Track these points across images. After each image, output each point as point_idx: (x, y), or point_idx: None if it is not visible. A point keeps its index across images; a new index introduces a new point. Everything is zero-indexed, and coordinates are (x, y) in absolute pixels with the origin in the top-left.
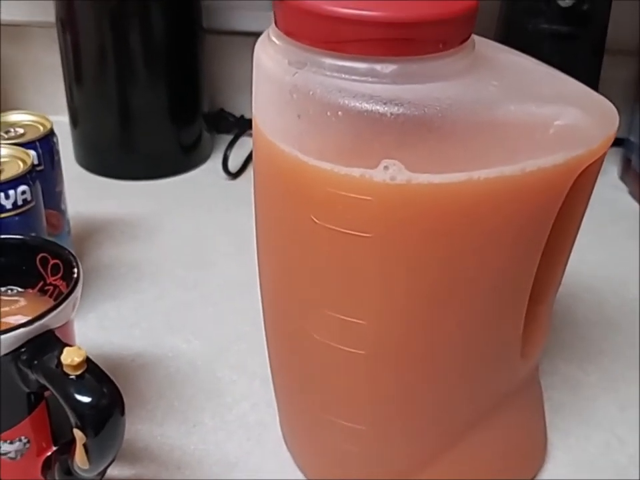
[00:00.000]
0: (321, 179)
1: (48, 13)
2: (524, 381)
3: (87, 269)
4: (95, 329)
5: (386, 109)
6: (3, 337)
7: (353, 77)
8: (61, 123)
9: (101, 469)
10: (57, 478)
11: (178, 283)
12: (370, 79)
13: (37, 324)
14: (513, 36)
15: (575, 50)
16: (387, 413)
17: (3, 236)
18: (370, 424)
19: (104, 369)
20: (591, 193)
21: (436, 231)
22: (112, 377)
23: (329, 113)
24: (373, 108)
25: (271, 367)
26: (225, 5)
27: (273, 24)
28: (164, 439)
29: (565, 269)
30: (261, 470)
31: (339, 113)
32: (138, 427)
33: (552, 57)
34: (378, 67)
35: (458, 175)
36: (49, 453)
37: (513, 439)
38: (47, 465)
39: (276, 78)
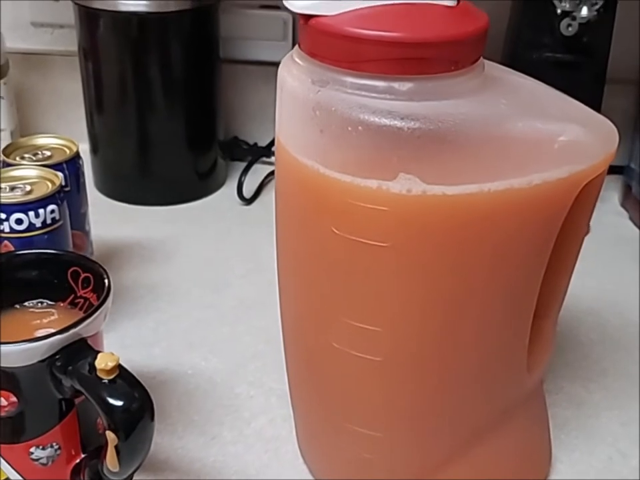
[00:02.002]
0: (341, 190)
1: (69, 42)
2: (529, 394)
3: None
4: (116, 348)
5: (403, 123)
6: (38, 343)
7: (372, 95)
8: (82, 150)
9: (130, 471)
10: None
11: (195, 304)
12: (388, 96)
13: (71, 331)
14: (518, 64)
15: (578, 78)
16: (402, 419)
17: (35, 250)
18: (385, 430)
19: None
20: (593, 208)
21: (449, 241)
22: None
23: (349, 128)
24: (391, 123)
25: (288, 378)
26: (241, 36)
27: (297, 46)
28: (184, 451)
29: (568, 283)
30: None
31: (360, 127)
32: (159, 439)
33: (555, 84)
34: (396, 84)
35: (470, 186)
36: (78, 460)
37: (520, 449)
38: (76, 472)
39: (300, 96)
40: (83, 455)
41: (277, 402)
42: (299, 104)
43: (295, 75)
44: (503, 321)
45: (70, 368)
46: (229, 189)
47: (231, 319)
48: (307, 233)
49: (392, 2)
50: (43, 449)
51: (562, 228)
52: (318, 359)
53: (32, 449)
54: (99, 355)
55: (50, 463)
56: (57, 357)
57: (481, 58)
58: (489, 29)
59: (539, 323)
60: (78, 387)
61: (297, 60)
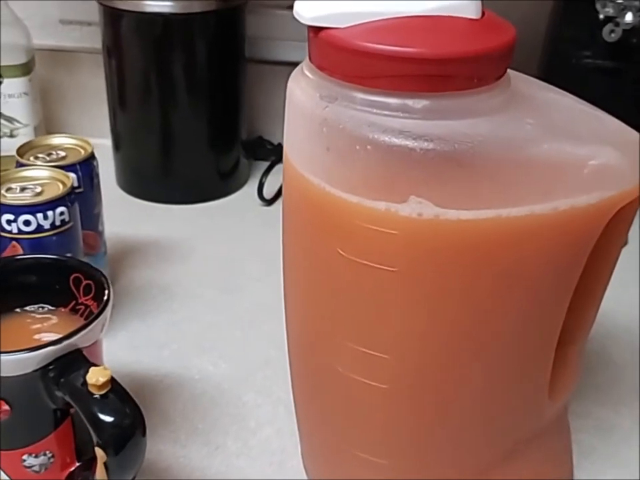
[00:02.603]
0: (347, 211)
1: (97, 40)
2: (551, 422)
3: (120, 289)
4: (125, 348)
5: (415, 144)
6: (32, 354)
7: (384, 112)
8: (105, 146)
9: None
10: None
11: (208, 306)
12: (401, 114)
13: (65, 342)
14: (556, 71)
15: (619, 85)
16: (408, 448)
17: (38, 255)
18: (390, 458)
19: (128, 389)
20: (626, 234)
21: (462, 268)
22: (137, 397)
23: (357, 147)
24: (402, 143)
25: (294, 396)
26: (267, 36)
27: (307, 58)
28: (186, 460)
29: (597, 310)
30: None
31: (368, 147)
32: (161, 447)
33: (595, 92)
34: (409, 102)
35: (487, 212)
36: (72, 469)
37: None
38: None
39: (307, 111)
40: (77, 464)
41: (284, 412)
42: (306, 119)
43: (303, 89)
44: (519, 352)
45: (62, 380)
46: (250, 189)
47: (244, 323)
48: (312, 251)
49: (409, 14)
50: (36, 456)
51: (591, 255)
52: (322, 381)
53: (24, 457)
54: (91, 370)
55: (43, 471)
56: (51, 367)
57: (507, 73)
58: (516, 42)
59: (565, 349)
60: (69, 399)
61: (307, 73)
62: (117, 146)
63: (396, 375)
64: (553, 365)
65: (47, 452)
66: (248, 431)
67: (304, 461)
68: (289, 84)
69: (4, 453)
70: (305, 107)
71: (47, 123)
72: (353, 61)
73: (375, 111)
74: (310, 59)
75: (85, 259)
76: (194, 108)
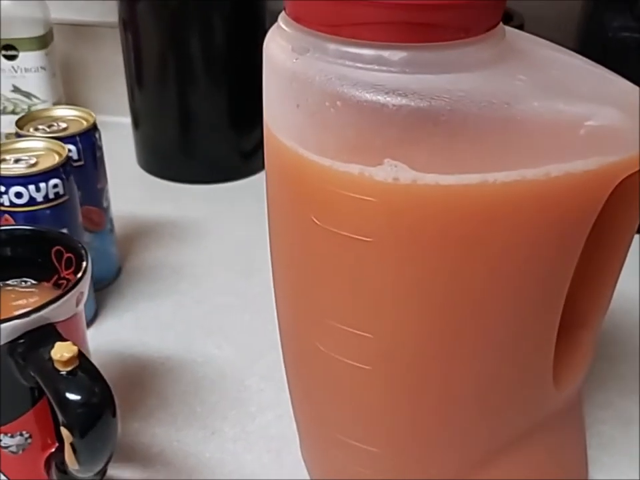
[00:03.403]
0: (320, 176)
1: (116, 14)
2: (559, 411)
3: (131, 268)
4: (129, 329)
5: (388, 99)
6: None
7: (358, 65)
8: (127, 124)
9: (94, 470)
10: (54, 476)
11: (219, 288)
12: (376, 67)
13: (34, 316)
14: (592, 45)
15: None
16: (400, 435)
17: (17, 226)
18: (383, 447)
19: (132, 371)
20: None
21: (445, 239)
22: (137, 379)
23: (327, 103)
24: (374, 98)
25: (287, 379)
26: None
27: (283, 11)
28: (180, 444)
29: (611, 292)
30: None
31: (338, 102)
32: (156, 430)
33: (634, 67)
34: (385, 53)
35: (470, 176)
36: (54, 449)
37: (543, 473)
38: (50, 462)
39: (278, 66)
40: (57, 444)
41: (286, 397)
42: (278, 74)
43: (277, 42)
44: (514, 331)
45: (29, 355)
46: None
47: (254, 307)
48: (289, 221)
49: None
50: (12, 436)
51: (603, 227)
52: (306, 362)
53: (0, 436)
54: (56, 345)
55: (21, 451)
56: (20, 341)
57: (500, 26)
58: None
59: (576, 332)
60: (35, 375)
61: (282, 25)
62: (135, 123)
63: (380, 355)
64: (561, 350)
65: (24, 432)
66: (247, 416)
67: (301, 448)
68: (266, 39)
69: None
70: (278, 62)
71: (69, 100)
72: (325, 7)
73: (347, 63)
74: (285, 9)
75: (88, 236)
76: (213, 84)
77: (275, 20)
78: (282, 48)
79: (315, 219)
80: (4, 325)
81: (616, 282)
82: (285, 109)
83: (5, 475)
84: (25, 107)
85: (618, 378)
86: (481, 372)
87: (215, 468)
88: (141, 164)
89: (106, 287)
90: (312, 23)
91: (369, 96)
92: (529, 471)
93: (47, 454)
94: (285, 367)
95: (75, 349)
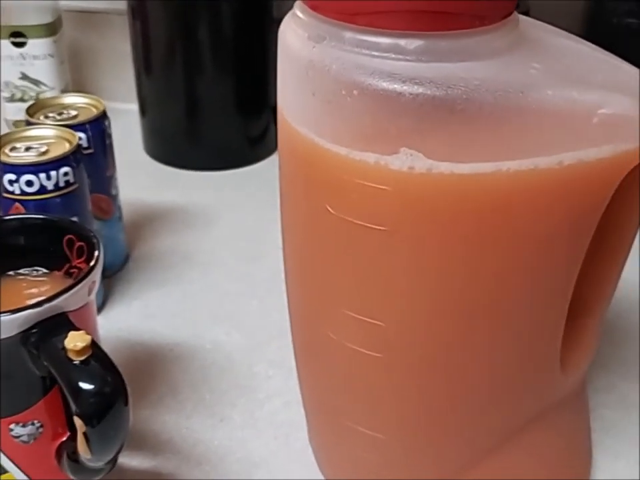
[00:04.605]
0: (335, 164)
1: (125, 1)
2: (565, 396)
3: (140, 256)
4: (138, 316)
5: (404, 87)
6: (12, 316)
7: (374, 53)
8: (135, 112)
9: (106, 459)
10: (65, 465)
11: (228, 275)
12: (393, 56)
13: (47, 305)
14: (597, 31)
15: None
16: (409, 423)
17: (29, 215)
18: (391, 434)
19: (138, 358)
20: None
21: (459, 227)
22: (146, 366)
23: (343, 92)
24: (390, 87)
25: (296, 366)
26: None
27: None
28: (189, 432)
29: (617, 281)
30: (283, 472)
31: (354, 91)
32: (166, 417)
33: (637, 53)
34: (402, 42)
35: (485, 165)
36: (65, 439)
37: (551, 458)
38: (61, 451)
39: (295, 54)
40: (69, 434)
41: (295, 384)
42: (293, 63)
43: (293, 30)
44: (525, 319)
45: (42, 344)
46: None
47: (262, 293)
48: (303, 210)
49: None
50: (24, 426)
51: (610, 216)
52: (317, 349)
53: (12, 426)
54: (70, 334)
55: (32, 441)
56: (33, 331)
57: (514, 14)
58: None
59: (581, 320)
60: (48, 365)
61: (298, 13)
62: (143, 110)
63: (391, 343)
64: (568, 337)
65: (35, 421)
66: (256, 402)
67: (309, 435)
68: (281, 27)
69: None
70: (293, 50)
71: (78, 87)
72: None
73: (364, 51)
74: None
75: (97, 224)
76: (221, 71)
77: (283, 8)
78: (298, 36)
79: (329, 208)
80: (17, 315)
81: (621, 270)
82: (301, 97)
83: (16, 465)
84: (33, 94)
85: (620, 362)
86: (491, 359)
87: (223, 455)
88: (148, 151)
89: (114, 275)
90: (328, 11)
91: (385, 84)
92: (537, 456)
93: (57, 443)
94: (295, 354)
95: (89, 338)
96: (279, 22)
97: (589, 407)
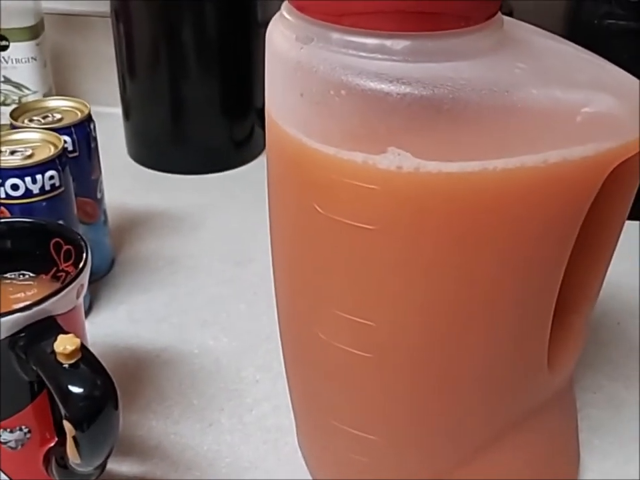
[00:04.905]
0: (323, 164)
1: (107, 4)
2: (553, 396)
3: (125, 260)
4: (124, 321)
5: (392, 87)
6: (0, 320)
7: (361, 54)
8: (118, 115)
9: (95, 464)
10: (53, 471)
11: (214, 279)
12: (379, 56)
13: (35, 309)
14: (578, 32)
15: None
16: (399, 423)
17: (16, 219)
18: (381, 435)
19: (125, 363)
20: (632, 194)
21: (447, 226)
22: (132, 372)
23: (331, 92)
24: (378, 87)
25: (285, 368)
26: None
27: (287, 0)
28: (178, 437)
29: (603, 278)
30: (273, 476)
31: (342, 91)
32: (153, 423)
33: (619, 55)
34: (388, 42)
35: (472, 163)
36: (52, 444)
37: (539, 458)
38: (49, 457)
39: (282, 55)
40: (57, 439)
41: (283, 388)
42: (282, 64)
43: (280, 32)
44: (514, 318)
45: (31, 348)
46: (265, 159)
47: (250, 297)
48: (291, 209)
49: None
50: (11, 432)
51: (595, 214)
52: (308, 351)
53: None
54: (59, 337)
55: (20, 447)
56: (21, 335)
57: (499, 15)
58: None
59: (568, 318)
60: (37, 369)
61: (285, 15)
62: (126, 114)
63: (381, 343)
64: (555, 335)
65: (23, 427)
66: (244, 407)
67: (298, 438)
68: (269, 28)
69: None
70: (281, 51)
71: (60, 91)
72: None
73: (351, 52)
74: None
75: (82, 228)
76: (205, 74)
77: (267, 9)
78: (286, 37)
79: (317, 207)
80: (4, 319)
81: (607, 268)
82: (289, 97)
83: (3, 472)
84: (16, 97)
85: (607, 361)
86: (480, 359)
87: (212, 460)
88: (132, 155)
89: (100, 279)
90: (315, 13)
91: (372, 84)
92: (525, 456)
93: (45, 449)
94: (284, 355)
95: (78, 341)
96: (263, 24)
97: (576, 407)
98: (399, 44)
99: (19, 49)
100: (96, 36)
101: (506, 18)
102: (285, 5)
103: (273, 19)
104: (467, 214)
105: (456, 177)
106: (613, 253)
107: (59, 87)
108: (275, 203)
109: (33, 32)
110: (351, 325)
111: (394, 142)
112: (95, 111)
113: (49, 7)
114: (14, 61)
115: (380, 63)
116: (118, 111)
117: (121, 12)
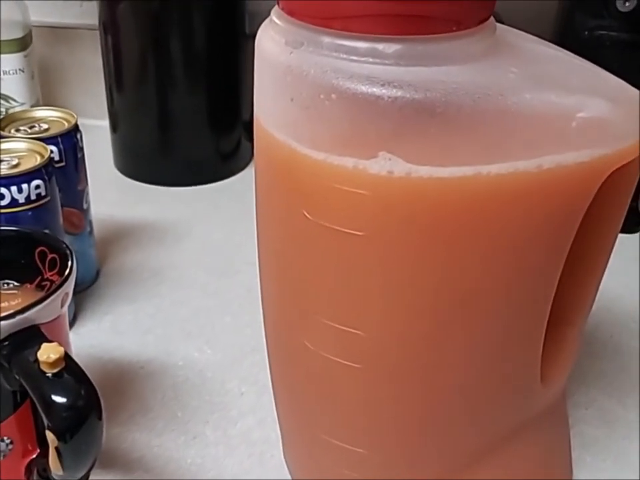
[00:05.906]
0: (313, 170)
1: (96, 16)
2: (545, 409)
3: (110, 272)
4: (108, 333)
5: (383, 91)
6: None
7: (352, 57)
8: (105, 127)
9: (78, 476)
10: None
11: (199, 290)
12: (370, 60)
13: (18, 317)
14: (568, 43)
15: (634, 59)
16: (388, 436)
17: (1, 227)
18: (369, 448)
19: (110, 376)
20: (627, 202)
21: (438, 232)
22: (116, 383)
23: (322, 96)
24: (369, 90)
25: (271, 379)
26: (268, 10)
27: (276, 4)
28: (161, 450)
29: (596, 289)
30: None
31: (333, 95)
32: (136, 435)
33: (609, 65)
34: (379, 46)
35: (464, 168)
36: (35, 456)
37: (530, 473)
38: (31, 468)
39: (272, 60)
40: (39, 450)
41: (269, 401)
42: (271, 68)
43: (270, 37)
44: (505, 328)
45: (14, 357)
46: (252, 171)
47: (235, 309)
48: (279, 216)
49: None
50: None
51: (589, 223)
52: (294, 362)
53: None
54: (43, 346)
55: (2, 458)
56: (5, 344)
57: (491, 18)
58: None
59: (561, 330)
60: (19, 378)
61: (275, 19)
62: (114, 126)
63: (369, 352)
64: (548, 347)
65: (5, 438)
66: (229, 420)
67: (284, 451)
68: (258, 34)
69: None
70: (271, 55)
71: (47, 103)
72: (318, 0)
73: (342, 56)
74: (278, 3)
75: (68, 238)
76: (193, 87)
77: (255, 21)
78: (275, 42)
79: (306, 214)
80: None
81: (601, 278)
82: (279, 102)
83: None
84: (3, 109)
85: (599, 376)
86: (470, 370)
87: (196, 473)
88: (119, 167)
89: (84, 290)
90: (305, 17)
91: (363, 88)
92: (516, 471)
93: (28, 460)
94: (270, 366)
95: (62, 350)
96: (251, 36)
97: (568, 422)
98: (390, 47)
99: (6, 61)
100: (83, 48)
101: (499, 24)
102: (274, 9)
103: (263, 24)
104: (459, 220)
105: (448, 183)
106: (607, 262)
107: (46, 99)
108: (263, 211)
109: (21, 44)
110: (339, 334)
111: (385, 146)
112: (82, 123)
113: (37, 19)
114: (2, 73)
115: (371, 66)
116: (105, 123)
117: (109, 24)
